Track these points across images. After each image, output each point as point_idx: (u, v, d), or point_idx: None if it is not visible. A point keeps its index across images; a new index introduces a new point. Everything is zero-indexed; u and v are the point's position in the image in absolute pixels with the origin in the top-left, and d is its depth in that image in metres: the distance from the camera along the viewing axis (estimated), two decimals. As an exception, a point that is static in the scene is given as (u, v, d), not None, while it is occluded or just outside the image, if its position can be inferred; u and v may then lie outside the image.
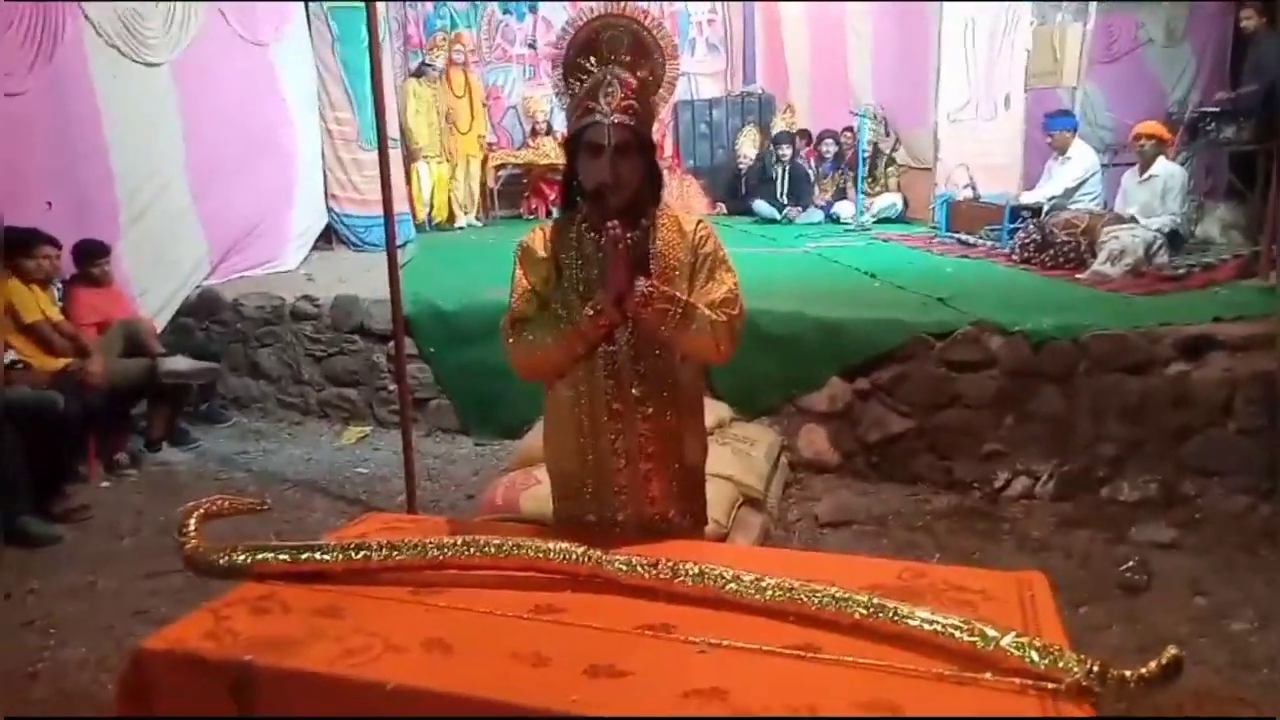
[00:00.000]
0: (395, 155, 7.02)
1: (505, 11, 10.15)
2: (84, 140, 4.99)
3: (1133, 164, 5.76)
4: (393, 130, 7.04)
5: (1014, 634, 1.51)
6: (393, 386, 5.05)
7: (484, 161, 8.73)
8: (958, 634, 1.53)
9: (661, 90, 2.11)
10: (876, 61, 8.29)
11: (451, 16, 9.89)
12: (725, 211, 8.68)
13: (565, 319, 2.00)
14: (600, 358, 2.04)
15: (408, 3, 9.68)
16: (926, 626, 1.56)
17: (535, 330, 2.03)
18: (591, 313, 1.97)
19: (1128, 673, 1.40)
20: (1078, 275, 5.24)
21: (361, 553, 1.86)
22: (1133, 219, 5.46)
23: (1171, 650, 1.40)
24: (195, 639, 1.63)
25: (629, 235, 1.96)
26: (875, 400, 4.30)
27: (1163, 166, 5.57)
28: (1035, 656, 1.47)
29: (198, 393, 5.24)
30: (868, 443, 4.31)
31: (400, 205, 7.22)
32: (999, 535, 3.80)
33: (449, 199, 8.44)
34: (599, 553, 1.81)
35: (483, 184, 8.80)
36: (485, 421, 5.00)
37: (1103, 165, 6.29)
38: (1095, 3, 7.21)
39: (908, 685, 1.45)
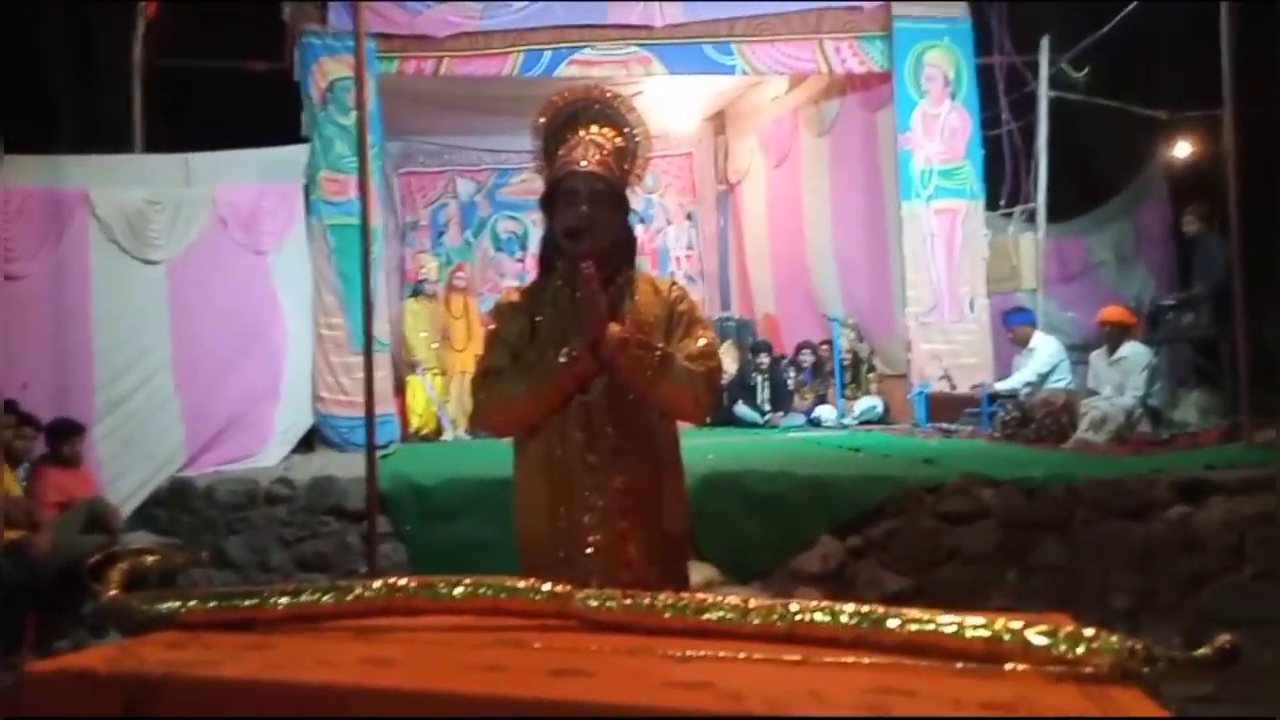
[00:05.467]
0: (385, 359, 7.19)
1: (498, 249, 10.83)
2: (72, 325, 5.10)
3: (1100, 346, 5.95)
4: (385, 336, 7.23)
5: (1040, 626, 1.33)
6: (364, 569, 4.79)
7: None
8: (976, 631, 1.34)
9: (636, 167, 2.19)
10: (842, 280, 8.74)
11: (448, 253, 10.53)
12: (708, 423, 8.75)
13: (539, 367, 1.95)
14: (574, 408, 1.96)
15: (405, 241, 10.34)
16: (941, 629, 1.37)
17: (508, 380, 1.98)
18: (566, 359, 1.93)
19: (1178, 655, 1.22)
20: (1062, 445, 5.23)
21: (303, 596, 1.67)
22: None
23: (1225, 637, 1.23)
24: (91, 661, 1.41)
25: (604, 290, 1.96)
26: (870, 558, 4.11)
27: (1130, 348, 5.75)
28: (1067, 644, 1.27)
29: (155, 579, 4.92)
30: (865, 605, 4.04)
31: (388, 409, 7.28)
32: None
33: (438, 413, 8.49)
34: (567, 588, 1.63)
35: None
36: (460, 603, 4.69)
37: (1070, 354, 6.49)
38: (1042, 223, 7.79)
39: (922, 676, 1.26)
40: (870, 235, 8.16)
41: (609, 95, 2.18)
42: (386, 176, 9.11)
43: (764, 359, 8.40)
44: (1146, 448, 4.95)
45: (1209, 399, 6.36)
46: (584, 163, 2.00)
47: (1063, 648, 1.24)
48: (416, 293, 8.61)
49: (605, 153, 2.05)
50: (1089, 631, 1.27)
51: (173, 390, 5.67)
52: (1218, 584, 3.74)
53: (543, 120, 2.15)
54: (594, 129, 2.09)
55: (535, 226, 10.62)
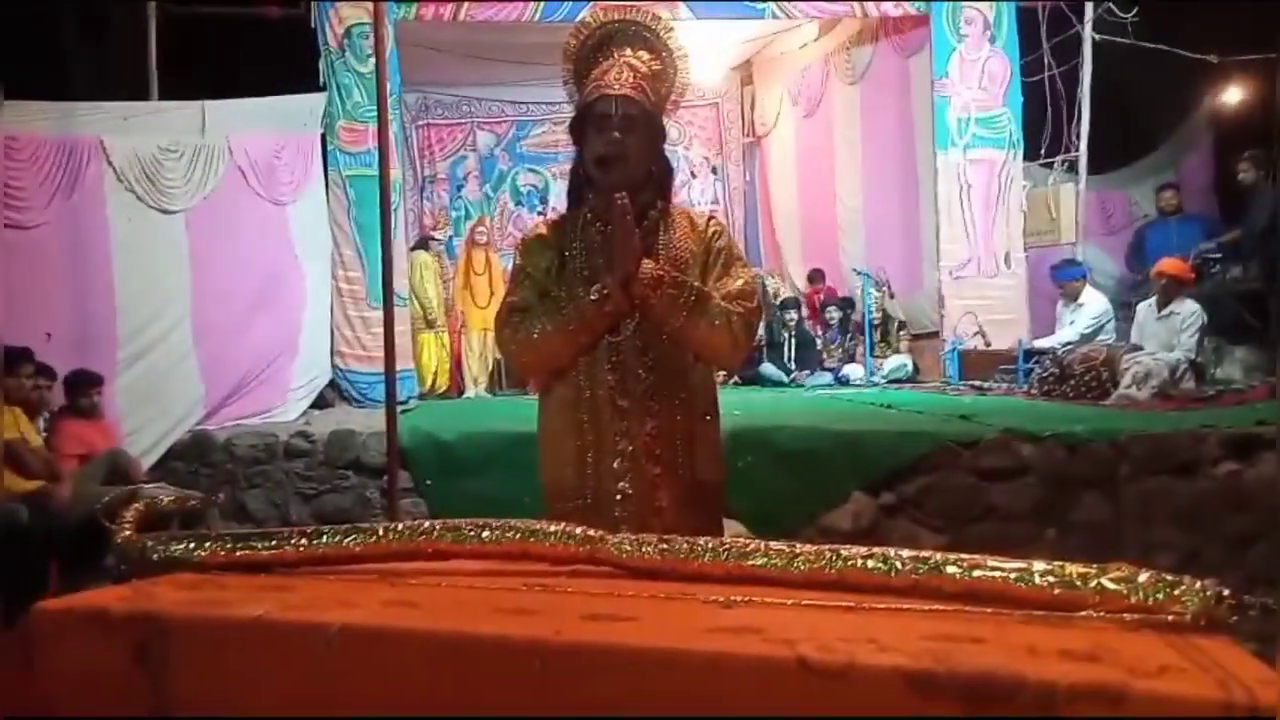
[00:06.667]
0: (404, 314, 7.09)
1: (518, 203, 10.64)
2: (91, 277, 5.03)
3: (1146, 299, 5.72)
4: (404, 290, 7.14)
5: (1115, 572, 1.20)
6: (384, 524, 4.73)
7: (499, 336, 8.74)
8: (1045, 578, 1.21)
9: (674, 92, 2.04)
10: (872, 234, 8.52)
11: (466, 207, 10.37)
12: (736, 381, 8.58)
13: (568, 305, 1.83)
14: (604, 349, 1.84)
15: (424, 195, 10.19)
16: (1005, 576, 1.25)
17: (535, 319, 1.86)
18: (596, 296, 1.80)
19: (1273, 603, 1.09)
20: (1103, 403, 5.04)
21: (324, 538, 1.57)
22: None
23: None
24: (103, 600, 1.32)
25: (639, 224, 1.84)
26: (904, 515, 3.98)
27: (1182, 304, 5.52)
28: (1145, 591, 1.15)
29: (177, 526, 4.90)
30: (899, 563, 3.92)
31: (408, 365, 7.20)
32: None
33: (456, 369, 8.39)
34: (600, 532, 1.52)
35: (496, 358, 8.78)
36: (482, 558, 4.63)
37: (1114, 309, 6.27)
38: (1084, 173, 7.51)
39: (986, 624, 1.13)
40: (902, 187, 7.92)
41: (646, 16, 2.03)
42: (404, 128, 8.93)
43: (792, 315, 8.22)
44: (1192, 404, 4.76)
45: (1255, 355, 6.14)
46: (617, 85, 1.86)
47: (1141, 594, 1.13)
48: (424, 247, 8.43)
49: (640, 76, 1.90)
50: (1169, 576, 1.15)
51: (193, 343, 5.60)
52: (1267, 542, 3.58)
53: (573, 41, 2.00)
54: (628, 52, 1.95)
55: (556, 180, 10.42)
